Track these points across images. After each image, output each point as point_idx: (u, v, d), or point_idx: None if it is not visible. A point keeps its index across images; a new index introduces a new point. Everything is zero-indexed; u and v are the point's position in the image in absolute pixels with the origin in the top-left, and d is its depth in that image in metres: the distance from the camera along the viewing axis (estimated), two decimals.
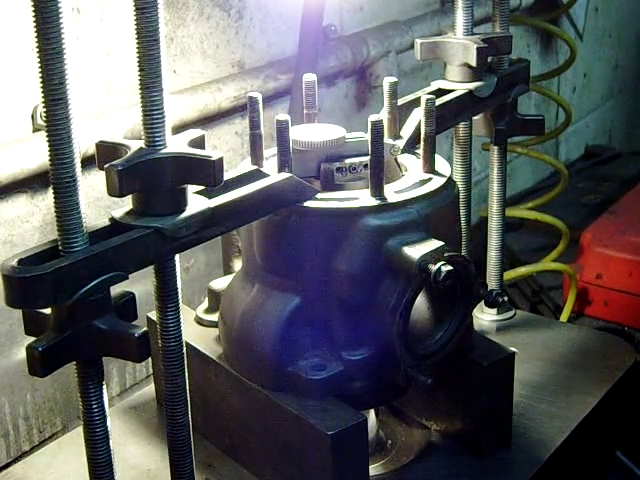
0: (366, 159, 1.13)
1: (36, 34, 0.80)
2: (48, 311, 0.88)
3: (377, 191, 1.09)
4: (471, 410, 1.21)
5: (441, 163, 1.18)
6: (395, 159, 1.20)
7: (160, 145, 0.91)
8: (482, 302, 1.20)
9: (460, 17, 1.35)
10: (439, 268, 1.03)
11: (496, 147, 1.48)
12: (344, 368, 1.10)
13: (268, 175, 1.07)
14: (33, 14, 0.80)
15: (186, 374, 0.98)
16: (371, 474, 1.14)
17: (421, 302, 1.13)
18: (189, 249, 0.96)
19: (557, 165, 2.35)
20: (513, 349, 1.21)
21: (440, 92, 1.32)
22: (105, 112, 1.49)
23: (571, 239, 2.22)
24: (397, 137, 1.22)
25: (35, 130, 1.41)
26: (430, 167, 1.16)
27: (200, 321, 1.27)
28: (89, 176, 1.44)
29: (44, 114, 0.83)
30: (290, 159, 1.09)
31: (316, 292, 1.10)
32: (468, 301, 1.13)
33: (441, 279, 1.03)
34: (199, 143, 0.95)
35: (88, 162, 1.23)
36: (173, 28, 1.60)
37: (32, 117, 1.40)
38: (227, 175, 1.01)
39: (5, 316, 1.40)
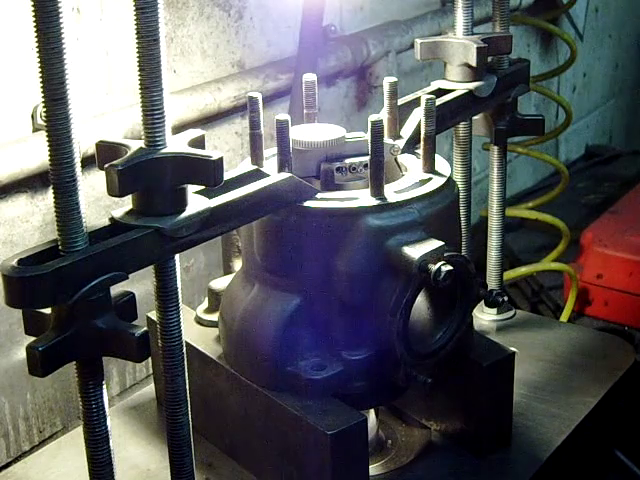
0: (366, 159, 1.13)
1: (36, 34, 0.80)
2: (48, 311, 0.88)
3: (377, 191, 1.09)
4: (471, 410, 1.21)
5: (441, 163, 1.18)
6: (395, 159, 1.20)
7: (160, 145, 0.91)
8: (482, 302, 1.20)
9: (460, 17, 1.35)
10: (439, 268, 1.03)
11: (496, 147, 1.48)
12: (344, 368, 1.10)
13: (268, 175, 1.07)
14: (33, 14, 0.80)
15: (186, 374, 0.98)
16: (371, 474, 1.14)
17: (421, 302, 1.13)
18: (189, 249, 0.96)
19: (557, 165, 2.35)
20: (513, 349, 1.21)
21: (440, 92, 1.32)
22: (105, 112, 1.49)
23: (571, 239, 2.22)
24: (397, 137, 1.22)
25: (35, 130, 1.41)
26: (430, 167, 1.16)
27: (200, 321, 1.27)
28: (89, 176, 1.44)
29: (44, 114, 0.83)
30: (290, 159, 1.09)
31: (316, 292, 1.10)
32: (468, 301, 1.13)
33: (441, 279, 1.03)
34: (199, 143, 0.95)
35: (88, 162, 1.23)
36: (173, 28, 1.60)
37: (32, 117, 1.40)
38: (227, 175, 1.00)
39: (5, 316, 1.40)
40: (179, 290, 0.96)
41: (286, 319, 1.10)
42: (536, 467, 1.21)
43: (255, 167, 1.11)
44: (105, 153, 0.93)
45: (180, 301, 0.96)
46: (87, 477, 0.95)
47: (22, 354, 1.38)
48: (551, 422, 1.29)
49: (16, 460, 1.47)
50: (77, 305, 0.86)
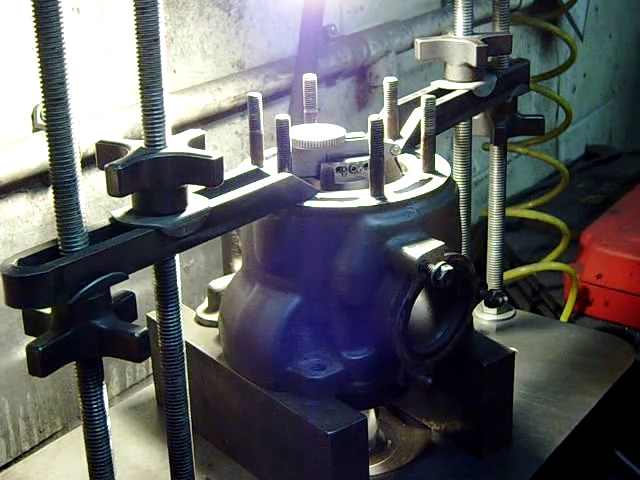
0: (366, 159, 1.13)
1: (36, 34, 0.80)
2: (48, 311, 0.88)
3: (377, 191, 1.09)
4: (471, 410, 1.21)
5: (441, 163, 1.18)
6: (395, 159, 1.20)
7: (160, 145, 0.91)
8: (482, 302, 1.20)
9: (460, 17, 1.35)
10: (439, 268, 1.03)
11: (496, 147, 1.48)
12: (344, 368, 1.10)
13: (268, 175, 1.07)
14: (33, 14, 0.80)
15: (186, 374, 0.98)
16: (371, 474, 1.14)
17: (421, 302, 1.13)
18: (189, 249, 0.96)
19: (557, 165, 2.35)
20: (513, 349, 1.21)
21: (440, 92, 1.32)
22: (105, 112, 1.49)
23: (571, 239, 2.22)
24: (397, 137, 1.22)
25: (35, 130, 1.40)
26: (430, 167, 1.16)
27: (200, 321, 1.27)
28: (89, 176, 1.44)
29: (44, 114, 0.83)
30: (290, 159, 1.09)
31: (316, 292, 1.10)
32: (468, 301, 1.13)
33: (441, 279, 1.03)
34: (199, 143, 0.95)
35: (88, 162, 1.23)
36: (173, 28, 1.60)
37: (32, 117, 1.40)
38: (227, 175, 1.01)
39: (5, 316, 1.40)
40: (179, 290, 0.96)
41: (286, 319, 1.10)
42: (536, 467, 1.21)
43: (255, 167, 1.11)
44: (105, 153, 0.93)
45: (180, 301, 0.96)
46: (87, 477, 0.95)
47: (22, 354, 1.38)
48: (551, 422, 1.29)
49: (16, 460, 1.47)
50: (77, 305, 0.86)
